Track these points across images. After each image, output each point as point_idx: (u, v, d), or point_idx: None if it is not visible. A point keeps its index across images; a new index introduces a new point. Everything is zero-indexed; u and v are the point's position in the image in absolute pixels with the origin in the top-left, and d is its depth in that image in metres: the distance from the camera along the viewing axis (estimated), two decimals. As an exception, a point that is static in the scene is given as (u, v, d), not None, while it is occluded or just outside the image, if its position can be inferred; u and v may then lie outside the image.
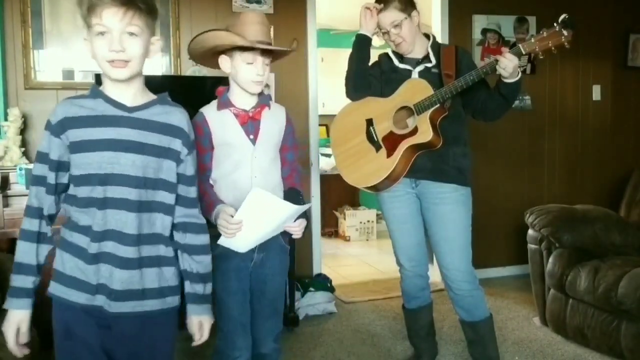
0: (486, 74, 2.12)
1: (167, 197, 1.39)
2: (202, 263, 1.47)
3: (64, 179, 1.36)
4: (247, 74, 1.73)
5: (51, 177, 1.34)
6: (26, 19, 3.05)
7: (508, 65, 2.03)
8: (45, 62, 3.11)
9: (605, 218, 2.98)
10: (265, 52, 1.72)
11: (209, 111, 1.79)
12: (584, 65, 4.18)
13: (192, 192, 1.45)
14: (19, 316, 1.33)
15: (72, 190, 1.35)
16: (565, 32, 1.98)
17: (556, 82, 4.15)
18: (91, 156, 1.30)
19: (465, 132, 2.35)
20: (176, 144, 1.39)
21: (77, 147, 1.31)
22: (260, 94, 1.80)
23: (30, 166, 2.48)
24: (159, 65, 3.29)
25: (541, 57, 2.07)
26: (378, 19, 2.26)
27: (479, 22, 3.91)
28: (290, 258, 2.07)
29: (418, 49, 2.31)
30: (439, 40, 3.63)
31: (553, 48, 2.02)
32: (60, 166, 1.34)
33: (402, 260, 2.43)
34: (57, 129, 1.31)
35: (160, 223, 1.39)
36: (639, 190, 3.41)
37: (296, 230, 1.76)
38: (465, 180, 2.29)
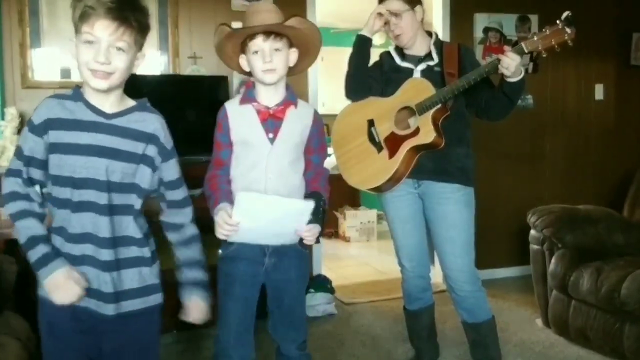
0: (488, 74, 2.09)
1: (137, 202, 1.42)
2: (196, 250, 1.56)
3: (36, 175, 1.38)
4: (256, 64, 1.67)
5: (25, 172, 1.36)
6: (24, 18, 3.03)
7: (510, 64, 1.99)
8: (43, 61, 3.09)
9: (608, 218, 2.97)
10: (275, 38, 1.65)
11: (231, 105, 1.75)
12: (587, 64, 4.16)
13: (176, 194, 1.51)
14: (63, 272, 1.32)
15: (50, 188, 1.38)
16: (568, 30, 1.94)
17: (558, 81, 4.12)
18: (66, 159, 1.33)
19: (468, 132, 2.33)
20: (150, 150, 1.42)
21: (55, 148, 1.33)
22: (288, 91, 1.74)
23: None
24: (157, 64, 3.27)
25: (544, 55, 2.02)
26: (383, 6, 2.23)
27: (481, 20, 3.89)
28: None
29: (420, 46, 2.29)
30: (440, 38, 3.62)
31: (556, 46, 1.97)
32: (31, 162, 1.36)
33: (403, 261, 2.41)
34: (39, 129, 1.34)
35: (132, 226, 1.41)
36: (642, 190, 3.38)
37: (306, 235, 1.67)
38: (469, 180, 2.27)
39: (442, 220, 2.26)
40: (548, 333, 2.95)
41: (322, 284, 3.40)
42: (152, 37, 3.26)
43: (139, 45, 1.36)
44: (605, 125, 4.26)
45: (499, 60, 2.02)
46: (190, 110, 3.06)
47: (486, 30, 3.90)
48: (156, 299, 1.47)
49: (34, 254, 1.32)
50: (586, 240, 2.83)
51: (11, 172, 1.37)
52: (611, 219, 2.98)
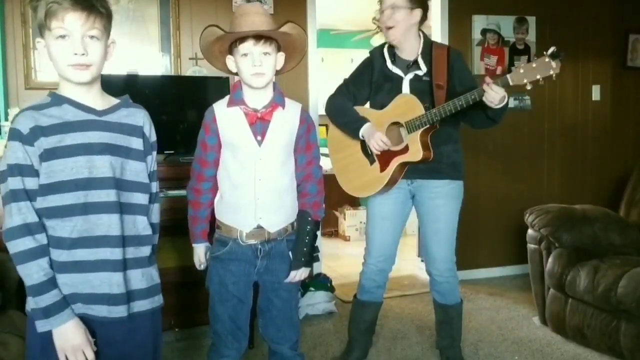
0: (474, 101, 2.12)
1: (142, 198, 1.41)
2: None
3: (32, 185, 1.29)
4: (244, 67, 1.65)
5: (34, 185, 1.29)
6: (27, 19, 3.05)
7: (495, 98, 2.04)
8: (46, 62, 3.09)
9: (605, 218, 2.99)
10: (265, 42, 1.64)
11: (219, 108, 1.74)
12: (584, 66, 4.19)
13: (152, 187, 1.48)
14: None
15: (40, 201, 1.29)
16: (553, 64, 1.98)
17: (556, 82, 4.08)
18: (65, 162, 1.29)
19: (456, 131, 2.41)
20: (141, 144, 1.42)
21: (50, 154, 1.28)
22: (275, 92, 1.73)
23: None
24: (159, 65, 3.29)
25: (528, 88, 2.04)
26: None
27: (479, 22, 3.92)
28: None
29: (411, 49, 2.33)
30: (439, 40, 3.64)
31: (541, 80, 2.01)
32: (24, 172, 1.28)
33: (370, 256, 2.46)
34: (29, 137, 1.27)
35: (141, 224, 1.40)
36: (638, 190, 3.40)
37: (296, 280, 1.82)
38: (459, 174, 2.37)
39: (432, 213, 2.37)
40: (545, 331, 2.98)
41: (322, 282, 3.42)
42: (154, 38, 3.30)
43: (108, 31, 1.35)
44: (602, 125, 4.30)
45: (484, 91, 2.05)
46: (192, 111, 3.09)
47: (484, 31, 3.92)
48: (160, 299, 1.46)
49: (43, 300, 1.27)
50: (583, 240, 2.86)
51: (13, 196, 1.27)
52: (608, 218, 3.00)
